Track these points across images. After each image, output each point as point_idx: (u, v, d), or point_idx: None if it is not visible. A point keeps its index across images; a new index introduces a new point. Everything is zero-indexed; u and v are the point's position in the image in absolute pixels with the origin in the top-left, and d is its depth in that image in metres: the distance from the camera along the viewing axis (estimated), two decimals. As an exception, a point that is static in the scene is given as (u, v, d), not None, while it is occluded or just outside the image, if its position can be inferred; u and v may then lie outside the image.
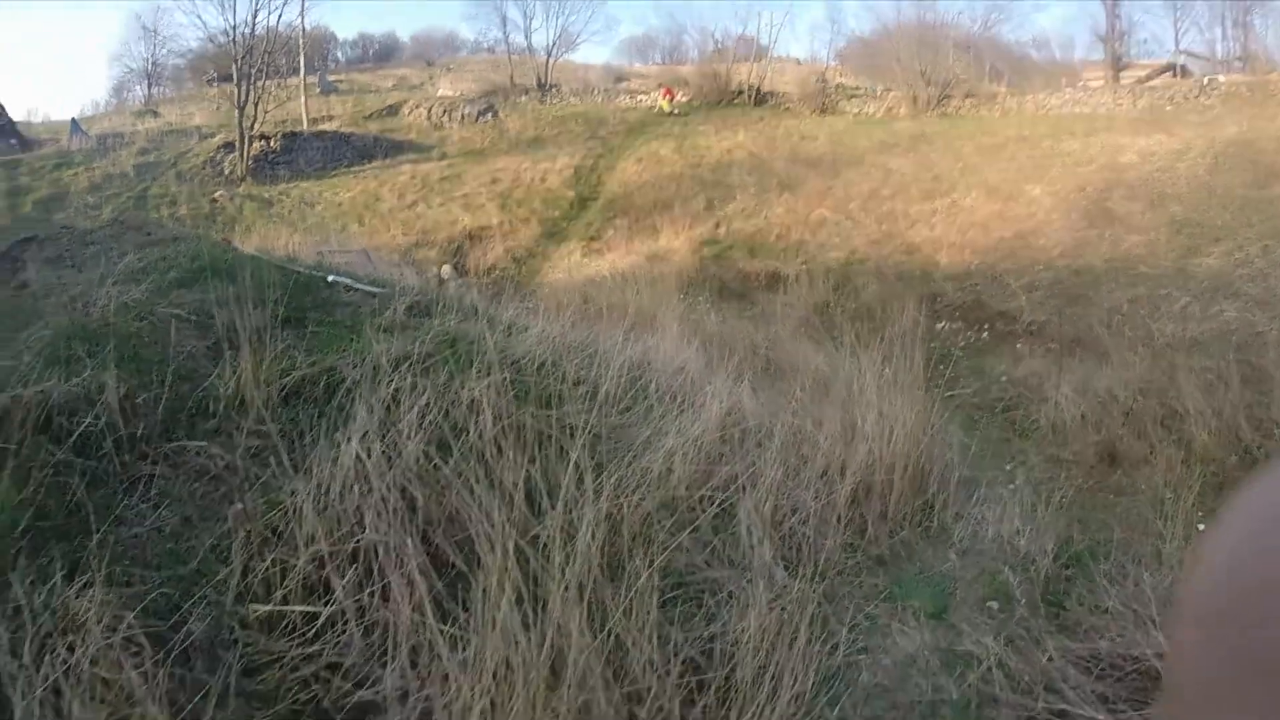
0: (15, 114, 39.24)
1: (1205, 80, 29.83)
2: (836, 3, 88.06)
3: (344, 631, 4.31)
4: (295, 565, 4.49)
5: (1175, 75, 35.65)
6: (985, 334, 14.59)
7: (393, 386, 5.79)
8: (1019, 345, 13.56)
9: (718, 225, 23.58)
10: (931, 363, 10.71)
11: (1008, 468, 8.77)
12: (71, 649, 3.74)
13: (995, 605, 5.37)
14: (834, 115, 35.60)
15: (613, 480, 5.07)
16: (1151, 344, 11.40)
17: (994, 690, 4.45)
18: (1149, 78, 35.46)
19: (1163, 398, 9.51)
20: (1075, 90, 32.78)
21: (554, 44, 46.34)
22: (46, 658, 3.69)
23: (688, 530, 5.04)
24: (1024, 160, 23.77)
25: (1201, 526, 7.09)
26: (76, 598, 4.00)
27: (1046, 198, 20.33)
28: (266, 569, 4.50)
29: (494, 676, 3.90)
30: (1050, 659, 4.62)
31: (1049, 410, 9.95)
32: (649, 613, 4.28)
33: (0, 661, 3.69)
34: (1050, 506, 6.51)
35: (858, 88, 39.89)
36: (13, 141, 35.17)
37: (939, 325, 15.15)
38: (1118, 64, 36.68)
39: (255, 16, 32.74)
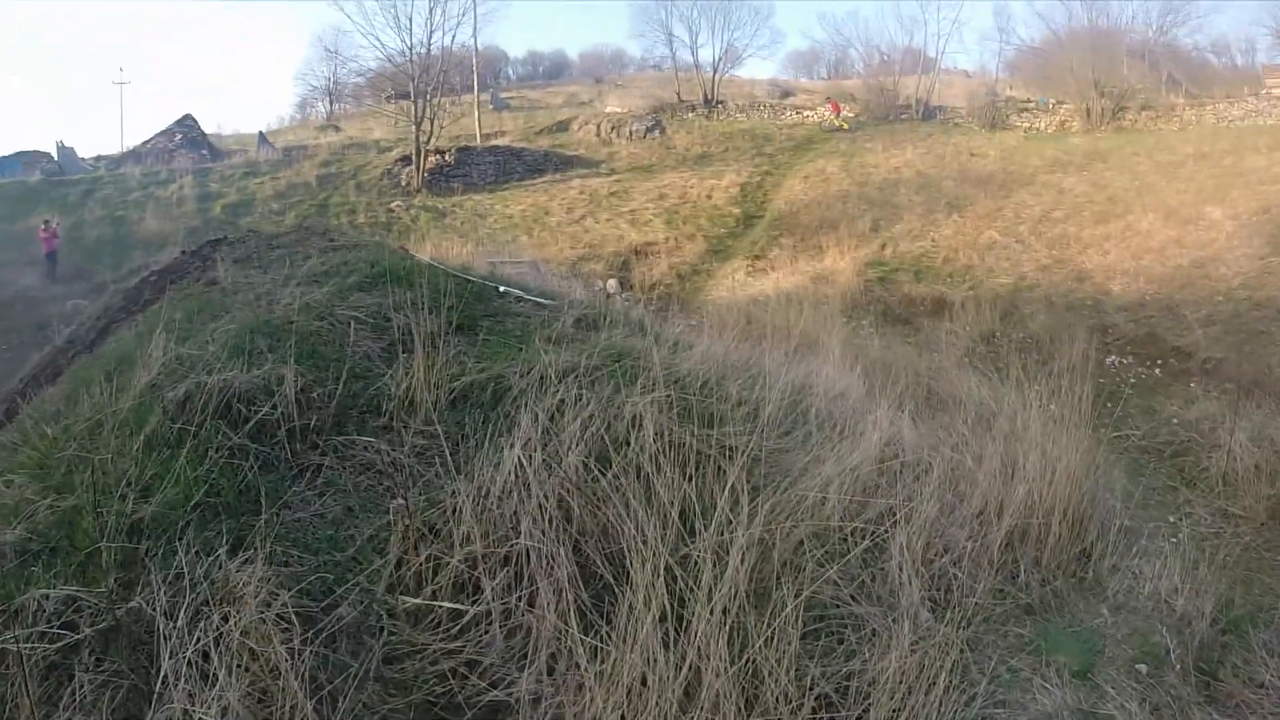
0: (206, 127, 42.48)
1: (1401, 84, 27.85)
2: (1005, 9, 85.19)
3: (487, 631, 4.49)
4: (448, 563, 4.69)
5: (1367, 79, 33.14)
6: (1157, 370, 13.93)
7: (558, 397, 5.95)
8: (1192, 384, 12.92)
9: (883, 246, 23.07)
10: (1099, 400, 10.33)
11: (1171, 519, 8.34)
12: (226, 618, 4.01)
13: (1144, 668, 5.17)
14: (1004, 130, 34.82)
15: (767, 505, 5.08)
16: (1337, 388, 10.72)
17: (1131, 762, 4.30)
18: (1340, 82, 33.18)
19: (1346, 451, 8.88)
20: (1258, 100, 31.17)
21: (719, 60, 46.29)
22: (201, 624, 3.96)
23: (838, 562, 5.01)
24: (1204, 179, 22.63)
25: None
26: (237, 571, 4.29)
27: (1228, 221, 19.24)
28: (420, 564, 4.73)
29: (628, 691, 4.01)
30: (1196, 734, 4.44)
31: (1220, 458, 9.33)
32: (789, 644, 4.30)
33: (156, 621, 3.97)
34: (1213, 565, 6.19)
35: (1028, 100, 38.90)
36: (204, 152, 38.08)
37: (1109, 359, 14.54)
38: (1305, 68, 34.30)
39: (430, 38, 34.50)
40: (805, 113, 40.94)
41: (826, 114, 39.34)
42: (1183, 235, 19.32)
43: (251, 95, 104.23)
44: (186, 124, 39.81)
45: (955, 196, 25.64)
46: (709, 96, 42.80)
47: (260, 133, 44.19)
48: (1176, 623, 5.62)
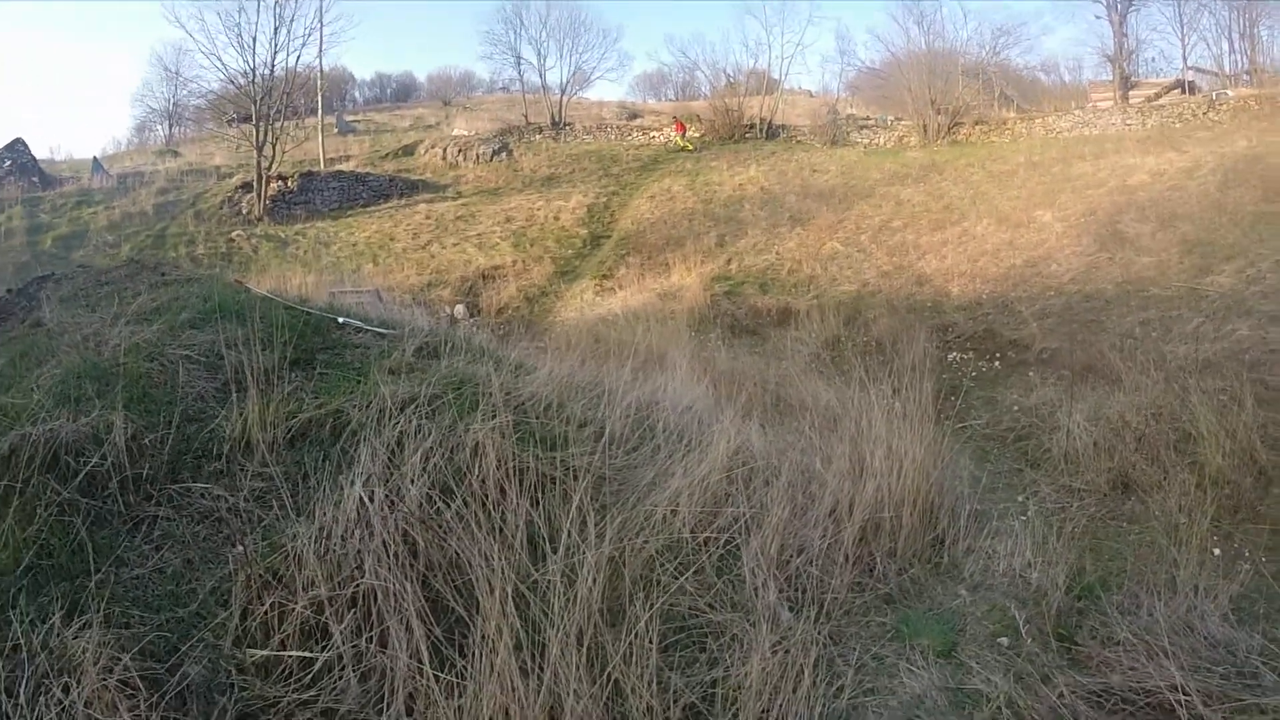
0: (39, 151, 39.54)
1: (1214, 95, 29.95)
2: (846, 33, 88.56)
3: (341, 677, 4.30)
4: (294, 609, 4.48)
5: (1184, 92, 35.46)
6: (997, 363, 14.46)
7: (398, 429, 5.80)
8: (1030, 374, 13.38)
9: (729, 261, 23.53)
10: (942, 395, 10.63)
11: (1020, 499, 8.67)
12: (67, 690, 3.75)
13: (1005, 641, 5.30)
14: (845, 147, 35.70)
15: (616, 523, 5.05)
16: (1164, 367, 11.14)
17: (1003, 729, 4.39)
18: (1157, 96, 35.41)
19: (1176, 421, 9.32)
20: (1084, 112, 32.83)
21: (568, 82, 46.24)
22: (41, 698, 3.70)
23: (690, 572, 4.99)
24: (1034, 186, 23.89)
25: (1217, 551, 7.02)
26: (74, 638, 4.01)
27: (1057, 223, 20.36)
28: (265, 613, 4.51)
29: (490, 722, 3.88)
30: (1061, 695, 4.56)
31: (1061, 439, 9.77)
32: (649, 658, 4.25)
33: (-2, 698, 3.68)
34: (1062, 538, 6.42)
35: (868, 118, 40.11)
36: (34, 179, 35.31)
37: (950, 356, 15.07)
38: (1126, 83, 36.53)
39: (274, 58, 33.08)
40: (652, 134, 41.26)
41: (672, 135, 39.73)
42: (1015, 238, 20.31)
43: (87, 116, 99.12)
44: (17, 149, 36.78)
45: (798, 211, 26.33)
46: (556, 119, 42.73)
47: (95, 158, 41.67)
48: (1033, 595, 5.81)
